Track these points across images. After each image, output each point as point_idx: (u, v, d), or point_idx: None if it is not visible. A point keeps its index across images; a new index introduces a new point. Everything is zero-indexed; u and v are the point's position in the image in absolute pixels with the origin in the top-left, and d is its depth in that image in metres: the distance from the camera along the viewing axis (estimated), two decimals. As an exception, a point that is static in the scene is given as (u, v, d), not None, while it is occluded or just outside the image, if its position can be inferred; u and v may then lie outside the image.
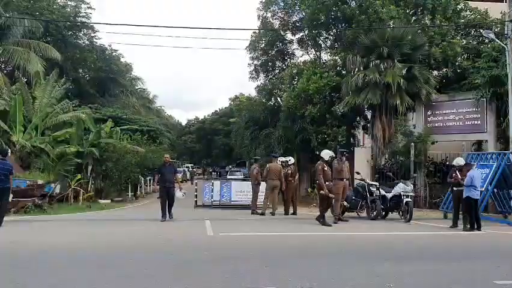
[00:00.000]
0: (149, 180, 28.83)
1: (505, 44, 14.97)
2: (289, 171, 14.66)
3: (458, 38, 19.14)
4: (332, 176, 11.77)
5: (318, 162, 11.79)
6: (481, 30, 17.10)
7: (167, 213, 11.98)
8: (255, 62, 24.64)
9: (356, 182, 14.83)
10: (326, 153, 11.82)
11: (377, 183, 13.81)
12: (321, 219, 11.46)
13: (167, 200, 12.02)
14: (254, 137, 23.85)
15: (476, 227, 11.03)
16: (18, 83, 20.33)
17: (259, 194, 15.10)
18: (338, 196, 12.02)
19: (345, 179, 12.27)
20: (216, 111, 61.02)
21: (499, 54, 15.90)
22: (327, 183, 11.35)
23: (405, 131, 17.56)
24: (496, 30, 17.11)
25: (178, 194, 12.32)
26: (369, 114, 19.88)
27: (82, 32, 33.71)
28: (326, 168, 11.44)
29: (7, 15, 23.89)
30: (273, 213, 14.18)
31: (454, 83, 17.91)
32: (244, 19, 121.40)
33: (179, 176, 12.89)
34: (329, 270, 6.28)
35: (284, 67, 24.08)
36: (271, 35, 23.03)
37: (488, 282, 5.77)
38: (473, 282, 5.78)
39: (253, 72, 24.97)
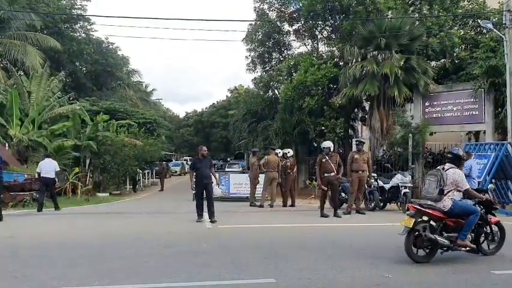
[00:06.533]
0: (147, 173, 28.86)
1: (503, 34, 14.91)
2: (288, 163, 14.68)
3: (456, 28, 19.05)
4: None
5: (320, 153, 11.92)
6: (479, 21, 16.99)
7: (204, 213, 10.69)
8: (252, 53, 24.50)
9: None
10: (323, 145, 11.93)
11: (375, 174, 13.84)
12: (321, 211, 11.52)
13: (205, 198, 10.70)
14: (252, 130, 23.73)
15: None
16: (14, 77, 20.22)
17: (257, 186, 15.17)
18: (352, 188, 12.21)
19: (360, 171, 12.22)
20: (214, 103, 60.80)
21: (496, 45, 15.85)
22: (325, 174, 11.37)
23: (403, 122, 17.52)
24: (494, 20, 17.03)
25: (217, 190, 10.61)
26: (367, 106, 19.84)
27: (78, 25, 33.56)
28: (324, 160, 11.46)
29: (7, 8, 23.68)
30: (271, 205, 14.23)
31: (452, 74, 17.84)
32: (240, 11, 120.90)
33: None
34: (328, 262, 6.31)
35: (281, 59, 23.95)
36: (267, 26, 22.91)
37: (486, 271, 5.81)
38: (471, 272, 5.81)
39: (250, 64, 24.84)
